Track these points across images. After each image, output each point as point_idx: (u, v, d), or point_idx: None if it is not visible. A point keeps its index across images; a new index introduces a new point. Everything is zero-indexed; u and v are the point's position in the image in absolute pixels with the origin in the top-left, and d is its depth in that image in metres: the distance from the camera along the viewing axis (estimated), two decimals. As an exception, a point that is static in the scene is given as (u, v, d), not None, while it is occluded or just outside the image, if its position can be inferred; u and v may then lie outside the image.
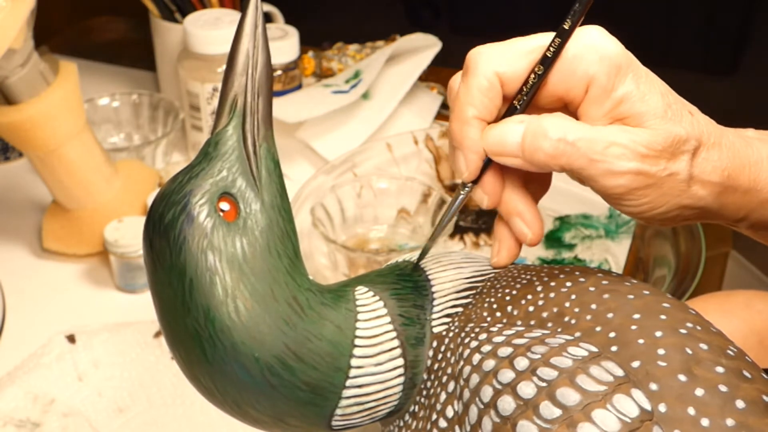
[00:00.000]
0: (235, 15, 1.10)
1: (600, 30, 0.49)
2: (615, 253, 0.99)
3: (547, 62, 0.49)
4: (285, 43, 1.14)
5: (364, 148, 1.08)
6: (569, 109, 0.51)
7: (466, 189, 0.52)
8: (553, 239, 1.01)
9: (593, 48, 0.48)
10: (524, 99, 0.50)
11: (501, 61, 0.49)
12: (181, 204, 0.47)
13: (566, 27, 0.48)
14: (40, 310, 0.95)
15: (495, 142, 0.49)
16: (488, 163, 0.51)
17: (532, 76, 0.49)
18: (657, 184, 0.49)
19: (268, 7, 1.26)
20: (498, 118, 0.51)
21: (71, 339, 0.87)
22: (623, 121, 0.48)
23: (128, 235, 0.94)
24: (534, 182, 0.54)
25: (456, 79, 0.52)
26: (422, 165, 1.08)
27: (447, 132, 0.53)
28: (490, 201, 0.52)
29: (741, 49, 2.56)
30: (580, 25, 0.49)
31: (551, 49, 0.48)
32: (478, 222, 1.03)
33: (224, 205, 0.48)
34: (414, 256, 0.56)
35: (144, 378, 0.85)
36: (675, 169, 0.49)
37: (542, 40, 0.49)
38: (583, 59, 0.48)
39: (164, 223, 0.48)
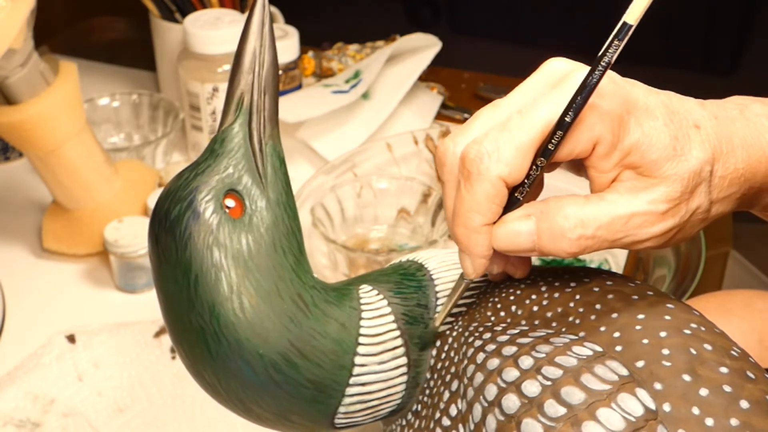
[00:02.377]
0: (235, 15, 1.10)
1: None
2: (615, 253, 0.99)
3: (548, 154, 0.46)
4: (285, 43, 1.14)
5: (364, 148, 1.08)
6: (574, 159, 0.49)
7: (468, 281, 0.51)
8: (553, 239, 1.01)
9: (591, 108, 0.46)
10: (526, 190, 0.47)
11: (505, 165, 0.46)
12: (187, 200, 0.48)
13: (568, 120, 0.45)
14: (40, 310, 0.95)
15: (506, 242, 0.48)
16: None
17: (534, 168, 0.47)
18: (682, 228, 0.48)
19: (268, 7, 1.26)
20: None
21: (71, 339, 0.87)
22: (636, 170, 0.47)
23: (128, 235, 0.94)
24: None
25: (446, 151, 0.49)
26: (422, 165, 1.08)
27: (449, 228, 0.50)
28: (498, 269, 0.51)
29: (741, 49, 2.56)
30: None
31: (553, 142, 0.46)
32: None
33: (230, 202, 0.48)
34: (416, 255, 0.56)
35: (144, 378, 0.85)
36: (696, 205, 0.48)
37: (542, 122, 0.46)
38: (585, 125, 0.46)
39: (170, 219, 0.48)
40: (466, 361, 0.47)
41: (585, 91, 0.45)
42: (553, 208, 0.47)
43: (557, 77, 0.48)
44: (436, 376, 0.51)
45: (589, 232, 0.46)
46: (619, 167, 0.47)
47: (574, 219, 0.46)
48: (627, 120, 0.46)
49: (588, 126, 0.46)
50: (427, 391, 0.51)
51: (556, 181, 1.00)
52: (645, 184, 0.47)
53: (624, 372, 0.43)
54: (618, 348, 0.44)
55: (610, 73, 0.47)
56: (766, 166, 0.50)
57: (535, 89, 0.49)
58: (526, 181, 0.47)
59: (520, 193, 0.48)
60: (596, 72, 0.44)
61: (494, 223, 0.48)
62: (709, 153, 0.48)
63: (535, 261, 0.98)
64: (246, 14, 0.54)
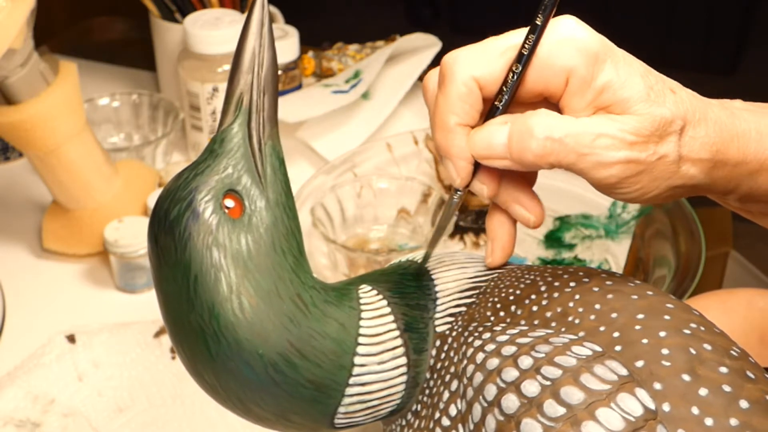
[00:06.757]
0: (235, 15, 1.10)
1: (573, 20, 0.49)
2: (615, 253, 0.99)
3: (523, 59, 0.48)
4: (285, 43, 1.14)
5: (364, 148, 1.08)
6: (550, 102, 0.50)
7: (459, 193, 0.52)
8: (553, 239, 1.01)
9: (568, 40, 0.48)
10: (505, 98, 0.49)
11: (477, 65, 0.49)
12: (187, 200, 0.48)
13: (538, 22, 0.47)
14: (40, 310, 0.95)
15: (481, 146, 0.49)
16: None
17: (511, 75, 0.48)
18: (648, 170, 0.49)
19: (268, 7, 1.25)
20: (481, 121, 0.50)
21: (71, 339, 0.87)
22: (607, 109, 0.48)
23: (128, 235, 0.94)
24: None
25: (430, 79, 0.52)
26: (422, 165, 1.08)
27: (431, 139, 0.52)
28: (489, 190, 0.52)
29: (741, 49, 2.56)
30: (554, 17, 0.49)
31: (526, 46, 0.48)
32: (478, 222, 1.03)
33: (229, 202, 0.48)
34: (416, 255, 0.56)
35: (144, 378, 0.85)
36: (664, 152, 0.49)
37: (516, 38, 0.49)
38: (559, 53, 0.48)
39: (169, 219, 0.48)
40: (465, 361, 0.47)
41: None
42: (528, 114, 0.48)
43: None
44: (435, 376, 0.51)
45: (557, 136, 0.47)
46: (592, 108, 0.48)
47: (545, 123, 0.48)
48: (603, 59, 0.48)
49: (563, 54, 0.48)
50: (427, 391, 0.51)
51: (556, 181, 1.01)
52: (617, 117, 0.48)
53: (623, 372, 0.43)
54: (617, 348, 0.44)
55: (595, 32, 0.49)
56: (737, 148, 0.51)
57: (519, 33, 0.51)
58: (504, 88, 0.49)
59: (499, 101, 0.49)
60: None
61: (473, 128, 0.50)
62: (682, 112, 0.49)
63: (535, 261, 0.98)
64: (246, 14, 0.54)
